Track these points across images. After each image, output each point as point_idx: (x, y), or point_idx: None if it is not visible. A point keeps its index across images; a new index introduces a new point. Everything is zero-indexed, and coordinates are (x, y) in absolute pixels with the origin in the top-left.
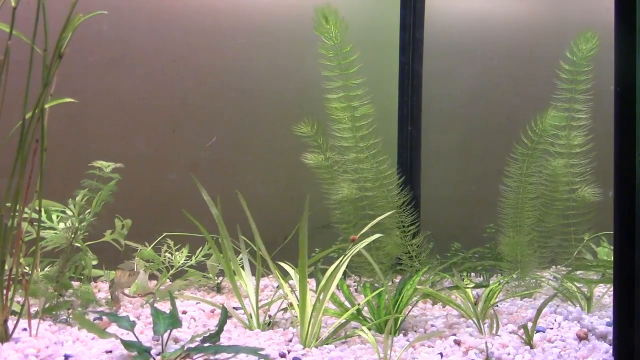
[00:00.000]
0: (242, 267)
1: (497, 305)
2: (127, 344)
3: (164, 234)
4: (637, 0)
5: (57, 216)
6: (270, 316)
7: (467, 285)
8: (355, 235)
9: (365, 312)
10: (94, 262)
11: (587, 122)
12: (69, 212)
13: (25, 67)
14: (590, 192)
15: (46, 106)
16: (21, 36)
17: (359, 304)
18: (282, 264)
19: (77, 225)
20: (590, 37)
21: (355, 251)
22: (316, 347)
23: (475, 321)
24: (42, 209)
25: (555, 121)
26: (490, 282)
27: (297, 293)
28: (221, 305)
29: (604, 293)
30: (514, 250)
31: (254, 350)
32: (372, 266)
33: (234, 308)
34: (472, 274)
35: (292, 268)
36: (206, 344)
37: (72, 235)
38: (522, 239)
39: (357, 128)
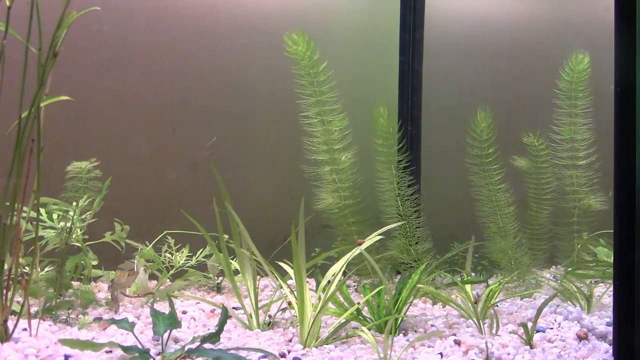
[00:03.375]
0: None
1: (497, 305)
2: (126, 349)
3: (165, 232)
4: (637, 0)
5: (58, 215)
6: (270, 316)
7: (466, 282)
8: (362, 239)
9: (365, 312)
10: (94, 263)
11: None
12: (70, 212)
13: (21, 66)
14: (595, 200)
15: (42, 104)
16: (16, 35)
17: (358, 304)
18: (281, 264)
19: (70, 225)
20: (581, 58)
21: (355, 254)
22: (316, 347)
23: (475, 321)
24: (43, 207)
25: (485, 122)
26: (490, 282)
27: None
28: (221, 305)
29: (604, 293)
30: (504, 256)
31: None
32: (371, 268)
33: (233, 308)
34: (472, 274)
35: (292, 268)
36: (206, 345)
37: (67, 236)
38: (509, 243)
39: (333, 141)
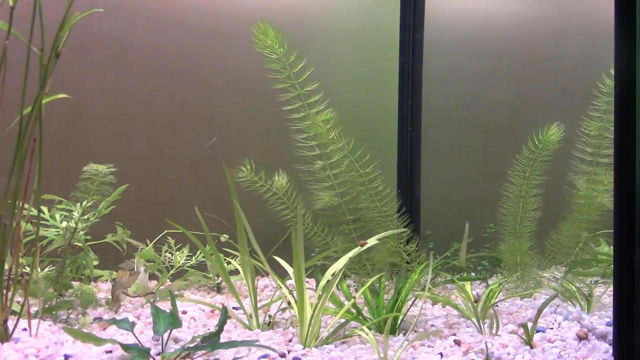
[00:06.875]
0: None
1: (497, 305)
2: (126, 347)
3: (165, 232)
4: (637, 0)
5: (60, 215)
6: (270, 316)
7: (465, 283)
8: (364, 240)
9: (366, 312)
10: (95, 263)
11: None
12: (75, 213)
13: (22, 66)
14: (609, 200)
15: (43, 102)
16: (18, 35)
17: (354, 298)
18: (282, 263)
19: (74, 225)
20: None
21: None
22: (316, 347)
23: (475, 321)
24: (45, 207)
25: (555, 137)
26: (490, 282)
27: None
28: (221, 306)
29: (604, 293)
30: (514, 256)
31: (250, 343)
32: (369, 268)
33: (234, 308)
34: (472, 274)
35: (291, 267)
36: (205, 344)
37: (70, 236)
38: (522, 245)
39: (321, 135)
